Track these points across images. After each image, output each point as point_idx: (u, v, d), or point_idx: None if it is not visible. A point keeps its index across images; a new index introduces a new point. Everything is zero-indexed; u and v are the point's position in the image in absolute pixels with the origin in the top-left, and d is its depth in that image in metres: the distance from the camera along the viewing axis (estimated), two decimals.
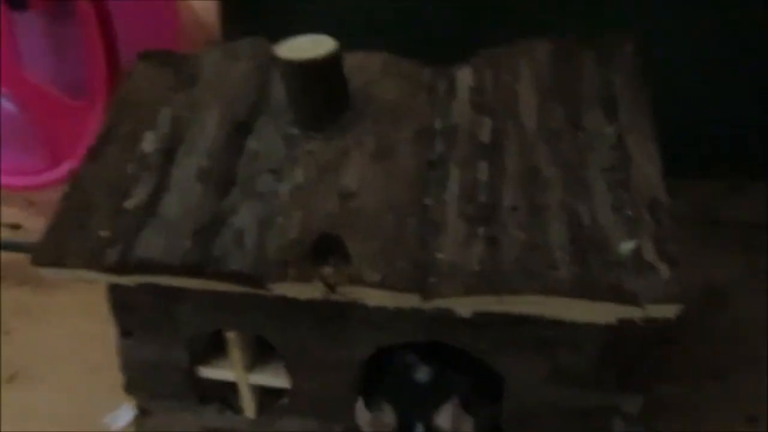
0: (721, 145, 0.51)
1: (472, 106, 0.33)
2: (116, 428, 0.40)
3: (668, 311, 0.25)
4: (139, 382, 0.35)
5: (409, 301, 0.28)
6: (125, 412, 0.40)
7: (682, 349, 0.44)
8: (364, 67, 0.34)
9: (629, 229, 0.27)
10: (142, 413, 0.36)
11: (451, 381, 0.31)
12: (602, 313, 0.26)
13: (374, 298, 0.28)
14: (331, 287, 0.28)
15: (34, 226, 0.60)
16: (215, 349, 0.34)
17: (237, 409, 0.35)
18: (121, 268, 0.30)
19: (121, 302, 0.33)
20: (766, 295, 0.45)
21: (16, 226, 0.59)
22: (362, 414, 0.31)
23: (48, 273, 0.31)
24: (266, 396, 0.35)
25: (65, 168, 0.58)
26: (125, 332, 0.34)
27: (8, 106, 0.56)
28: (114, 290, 0.33)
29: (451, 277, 0.27)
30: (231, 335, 0.33)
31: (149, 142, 0.33)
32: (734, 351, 0.43)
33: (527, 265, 0.27)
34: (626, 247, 0.26)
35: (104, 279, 0.31)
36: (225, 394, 0.35)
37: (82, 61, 0.53)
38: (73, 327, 0.48)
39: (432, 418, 0.29)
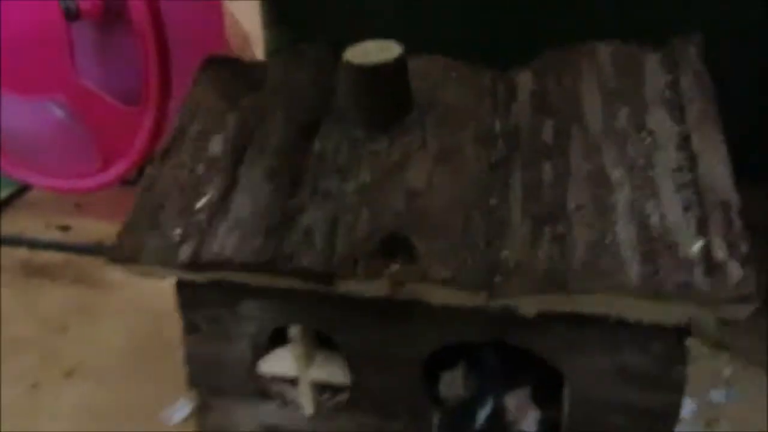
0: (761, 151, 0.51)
1: (532, 108, 0.33)
2: (174, 422, 0.41)
3: (740, 312, 0.25)
4: (201, 376, 0.36)
5: (476, 299, 0.28)
6: (182, 407, 0.41)
7: (733, 354, 0.43)
8: (427, 72, 0.35)
9: (699, 228, 0.27)
10: (203, 408, 0.37)
11: (525, 372, 0.32)
12: (671, 313, 0.27)
13: (440, 296, 0.29)
14: (398, 285, 0.29)
15: (83, 227, 0.62)
16: (276, 346, 0.35)
17: (295, 406, 0.36)
18: (194, 265, 0.30)
19: (189, 299, 0.34)
20: None
21: (65, 228, 0.61)
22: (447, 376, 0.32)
23: (122, 270, 0.32)
24: (323, 393, 0.36)
25: (115, 171, 0.60)
26: (191, 328, 0.34)
27: (60, 112, 0.58)
28: (182, 287, 0.34)
29: (519, 275, 0.28)
30: (294, 331, 0.33)
31: (217, 144, 0.34)
32: None
33: (595, 264, 0.27)
34: (696, 246, 0.27)
35: (177, 275, 0.32)
36: (283, 391, 0.36)
37: (134, 67, 0.54)
38: (127, 324, 0.49)
39: (502, 397, 0.30)
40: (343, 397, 0.35)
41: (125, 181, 0.60)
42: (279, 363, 0.35)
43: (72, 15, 0.52)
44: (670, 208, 0.28)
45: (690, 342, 0.47)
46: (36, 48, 0.55)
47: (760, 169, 0.49)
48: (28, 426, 0.42)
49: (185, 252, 0.31)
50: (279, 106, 0.35)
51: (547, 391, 0.32)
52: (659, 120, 0.31)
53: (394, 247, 0.29)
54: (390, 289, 0.29)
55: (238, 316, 0.33)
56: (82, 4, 0.52)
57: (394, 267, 0.29)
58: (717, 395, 0.41)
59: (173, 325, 0.35)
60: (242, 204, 0.32)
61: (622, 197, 0.29)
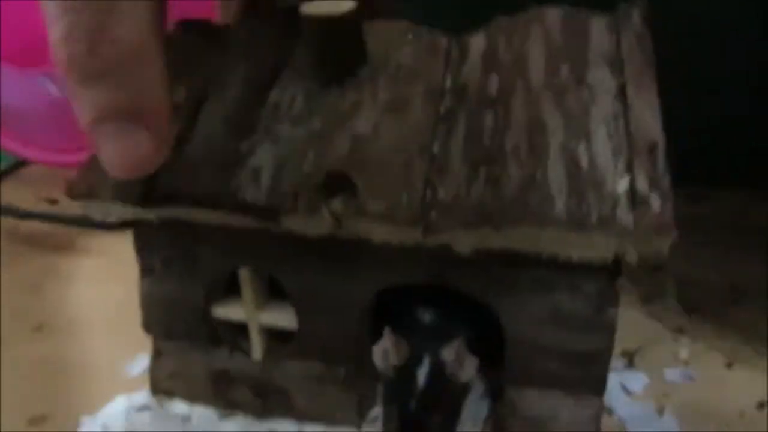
0: (752, 155, 0.51)
1: (481, 66, 0.34)
2: (134, 373, 0.41)
3: (661, 243, 0.26)
4: (156, 320, 0.37)
5: (412, 235, 0.29)
6: (141, 361, 0.42)
7: (693, 339, 0.44)
8: (385, 34, 0.36)
9: (626, 168, 0.28)
10: (156, 353, 0.38)
11: (457, 324, 0.32)
12: (597, 246, 0.27)
13: (379, 233, 0.30)
14: (338, 220, 0.30)
15: (71, 201, 0.63)
16: (230, 292, 0.36)
17: (246, 352, 0.36)
18: (145, 199, 0.32)
19: (145, 241, 0.35)
20: None
21: (53, 201, 0.63)
22: (377, 349, 0.32)
23: (81, 207, 0.33)
24: (275, 340, 0.36)
25: None
26: (147, 270, 0.36)
27: (52, 87, 0.60)
28: (138, 229, 0.35)
29: (451, 211, 0.29)
30: (244, 273, 0.34)
31: (180, 95, 0.36)
32: (749, 343, 0.43)
33: (525, 199, 0.28)
34: (621, 183, 0.28)
35: (131, 212, 0.33)
36: (235, 337, 0.37)
37: None
38: (101, 288, 0.50)
39: (439, 352, 0.31)
40: (292, 342, 0.35)
41: None
42: (231, 307, 0.36)
43: None
44: (601, 151, 0.29)
45: (651, 324, 0.47)
46: (31, 22, 0.57)
47: (759, 170, 0.50)
48: None
49: (138, 187, 0.32)
50: (241, 60, 0.37)
51: (489, 343, 0.33)
52: (599, 76, 0.32)
53: (335, 184, 0.30)
54: (331, 225, 0.30)
55: (191, 258, 0.35)
56: None
57: (335, 202, 0.30)
58: (672, 374, 0.41)
59: None
60: (196, 147, 0.33)
61: (555, 141, 0.30)
